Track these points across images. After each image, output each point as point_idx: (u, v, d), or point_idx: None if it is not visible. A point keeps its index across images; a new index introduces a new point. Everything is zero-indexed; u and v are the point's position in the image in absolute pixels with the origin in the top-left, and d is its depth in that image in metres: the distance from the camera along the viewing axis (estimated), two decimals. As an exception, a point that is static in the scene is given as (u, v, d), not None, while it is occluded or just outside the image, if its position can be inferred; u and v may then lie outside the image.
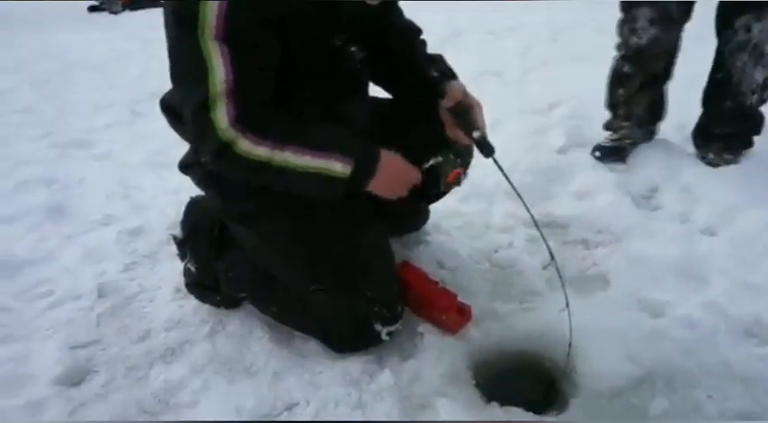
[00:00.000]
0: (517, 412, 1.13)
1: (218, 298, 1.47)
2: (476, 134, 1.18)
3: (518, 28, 4.83)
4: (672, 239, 1.66)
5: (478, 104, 1.25)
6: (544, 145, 2.35)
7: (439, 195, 1.47)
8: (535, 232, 1.77)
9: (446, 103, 1.24)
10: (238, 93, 1.05)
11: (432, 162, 1.22)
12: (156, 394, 1.25)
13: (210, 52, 1.03)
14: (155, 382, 1.28)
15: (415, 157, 1.21)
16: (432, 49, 1.39)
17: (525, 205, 1.21)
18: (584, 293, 1.48)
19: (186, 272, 1.51)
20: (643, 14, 1.94)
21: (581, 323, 1.33)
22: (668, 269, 1.53)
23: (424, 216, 1.74)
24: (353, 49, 1.21)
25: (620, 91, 2.11)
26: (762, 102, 1.98)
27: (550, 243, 1.71)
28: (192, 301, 1.53)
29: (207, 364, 1.32)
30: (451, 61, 1.34)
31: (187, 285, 1.53)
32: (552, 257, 1.20)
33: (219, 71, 1.03)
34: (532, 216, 1.23)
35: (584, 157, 2.18)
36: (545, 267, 1.23)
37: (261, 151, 1.08)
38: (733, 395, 1.15)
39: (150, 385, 1.27)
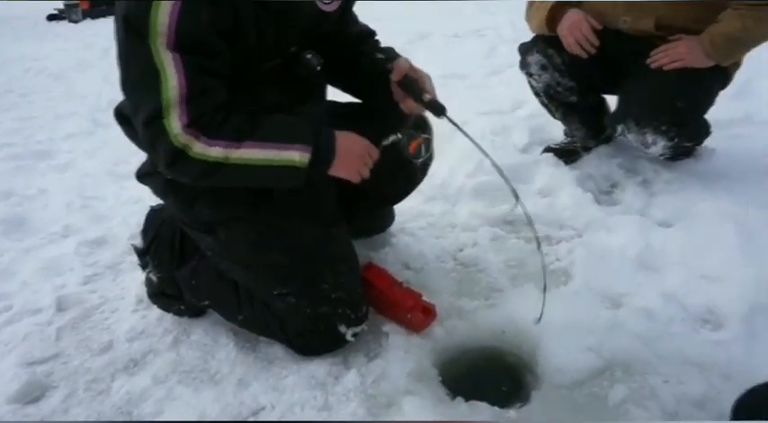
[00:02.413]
0: (482, 406, 1.15)
1: (182, 307, 1.45)
2: (425, 97, 1.21)
3: (482, 30, 4.90)
4: (630, 233, 1.70)
5: (426, 75, 1.28)
6: (508, 144, 2.39)
7: (410, 182, 1.52)
8: (499, 231, 1.82)
9: (394, 77, 1.25)
10: (190, 100, 1.04)
11: (391, 139, 1.26)
12: (119, 406, 1.22)
13: (162, 60, 1.03)
14: (117, 394, 1.26)
15: (375, 139, 1.23)
16: (397, 52, 1.41)
17: (505, 178, 1.23)
18: (547, 288, 1.50)
19: (148, 282, 1.49)
20: (535, 61, 2.01)
21: (544, 317, 1.36)
22: (627, 261, 1.57)
23: (390, 218, 1.75)
24: (309, 55, 1.22)
25: (554, 112, 2.18)
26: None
27: (514, 241, 1.78)
28: (156, 311, 1.51)
29: (171, 373, 1.30)
30: (417, 64, 1.36)
31: (150, 295, 1.50)
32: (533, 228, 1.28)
33: (172, 80, 1.03)
34: (513, 190, 1.24)
35: (547, 156, 2.23)
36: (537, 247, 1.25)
37: (215, 152, 1.07)
38: (688, 380, 1.18)
39: (112, 398, 1.25)
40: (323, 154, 1.14)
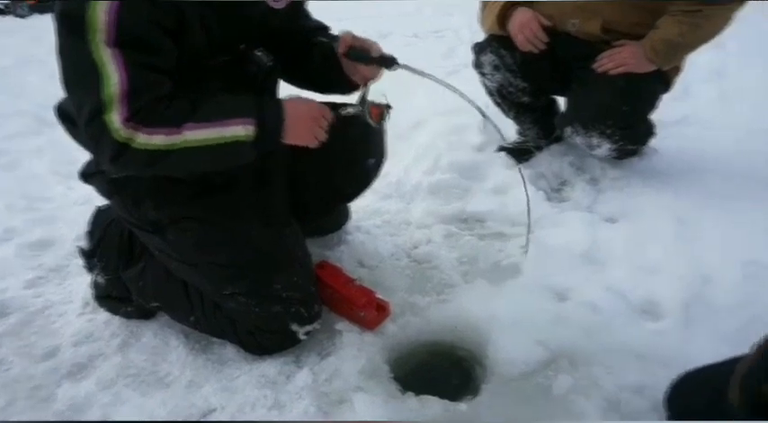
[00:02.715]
0: (432, 400, 1.16)
1: (130, 309, 1.42)
2: (373, 54, 1.22)
3: (441, 31, 4.97)
4: (578, 228, 1.75)
5: (371, 40, 1.28)
6: (463, 143, 2.43)
7: (364, 180, 1.50)
8: (452, 228, 1.85)
9: (339, 50, 1.26)
10: (131, 95, 1.02)
11: (350, 109, 1.25)
12: (62, 413, 1.19)
13: (102, 57, 1.01)
14: (61, 401, 1.22)
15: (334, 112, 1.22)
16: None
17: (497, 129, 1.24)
18: (497, 284, 1.54)
19: (95, 284, 1.45)
20: (488, 61, 2.05)
21: (494, 312, 1.40)
22: (574, 257, 1.62)
23: (345, 216, 1.76)
24: (259, 52, 1.21)
25: (506, 112, 2.23)
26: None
27: (467, 238, 1.82)
28: (104, 315, 1.47)
29: (117, 377, 1.28)
30: None
31: (96, 298, 1.46)
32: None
33: (112, 77, 1.01)
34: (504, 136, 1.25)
35: (500, 155, 2.27)
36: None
37: (157, 140, 1.05)
38: (629, 369, 1.23)
39: (56, 405, 1.21)
40: (269, 123, 1.11)
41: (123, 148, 1.04)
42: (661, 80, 1.91)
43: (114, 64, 1.01)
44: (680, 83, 2.04)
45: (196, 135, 1.07)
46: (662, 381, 1.15)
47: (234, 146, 1.08)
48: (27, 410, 1.20)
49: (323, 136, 1.19)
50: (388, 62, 1.22)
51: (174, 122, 1.07)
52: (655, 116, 2.01)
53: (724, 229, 1.64)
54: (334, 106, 1.26)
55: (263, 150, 1.12)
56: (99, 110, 1.02)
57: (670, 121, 2.41)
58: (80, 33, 1.00)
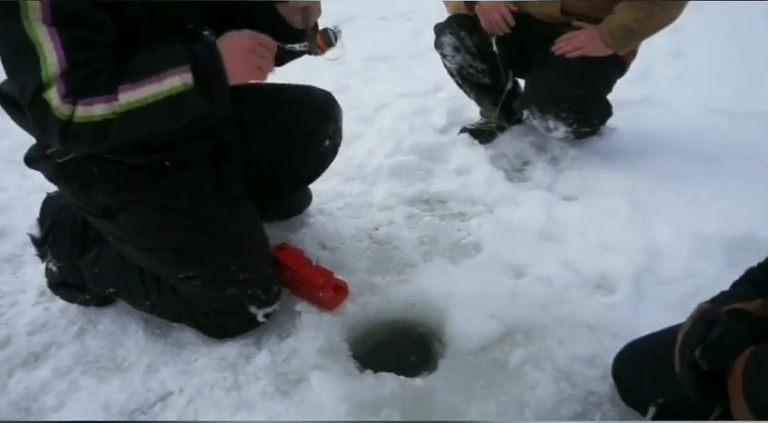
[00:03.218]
0: (388, 377, 1.19)
1: (87, 296, 1.40)
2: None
3: (409, 14, 4.93)
4: (537, 207, 1.78)
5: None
6: (427, 125, 2.43)
7: (320, 162, 1.49)
8: (414, 209, 1.86)
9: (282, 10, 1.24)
10: (69, 71, 1.00)
11: (296, 46, 1.22)
12: (16, 402, 1.18)
13: (38, 37, 0.98)
14: (14, 390, 1.21)
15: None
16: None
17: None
18: (456, 261, 1.57)
19: (48, 272, 1.43)
20: (448, 42, 2.06)
21: (452, 289, 1.42)
22: (532, 234, 1.65)
23: (306, 199, 1.76)
24: (206, 32, 1.19)
25: (468, 93, 2.25)
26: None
27: (429, 218, 1.83)
28: (60, 303, 1.45)
29: (74, 365, 1.27)
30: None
31: (51, 286, 1.44)
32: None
33: (51, 56, 0.99)
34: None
35: (463, 136, 2.29)
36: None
37: (98, 109, 1.02)
38: (581, 341, 1.27)
39: (9, 394, 1.20)
40: (205, 65, 1.06)
41: (67, 126, 1.02)
42: (617, 64, 1.94)
43: (51, 42, 0.98)
44: (641, 63, 2.08)
45: (134, 95, 1.03)
46: (612, 351, 1.19)
47: (176, 98, 1.05)
48: (-23, 400, 1.18)
49: (268, 67, 1.14)
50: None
51: (109, 89, 1.03)
52: (615, 96, 2.05)
53: (674, 205, 1.69)
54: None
55: (209, 97, 1.08)
56: (40, 89, 1.00)
57: (630, 100, 2.45)
58: (15, 13, 0.98)
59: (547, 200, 1.84)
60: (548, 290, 1.42)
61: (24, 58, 1.00)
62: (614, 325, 1.31)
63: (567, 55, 1.86)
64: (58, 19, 0.99)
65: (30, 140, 2.21)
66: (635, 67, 2.06)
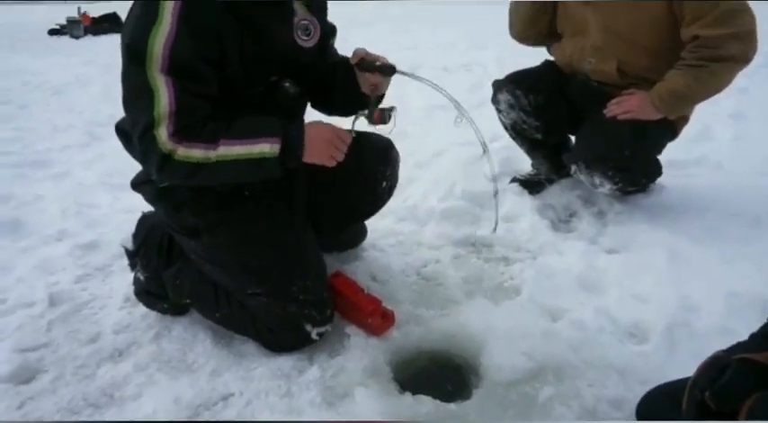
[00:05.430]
0: (425, 400, 1.29)
1: (165, 305, 1.60)
2: (377, 64, 1.40)
3: (470, 65, 5.17)
4: (578, 257, 1.88)
5: (380, 55, 1.45)
6: (479, 174, 2.56)
7: (376, 201, 1.67)
8: (461, 250, 1.99)
9: (352, 61, 1.44)
10: (177, 114, 1.23)
11: (357, 115, 1.41)
12: (102, 388, 1.36)
13: (156, 82, 1.23)
14: (102, 378, 1.40)
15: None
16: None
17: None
18: (497, 302, 1.67)
19: (136, 280, 1.64)
20: (504, 99, 2.21)
21: (490, 326, 1.52)
22: (571, 281, 1.74)
23: (361, 235, 1.92)
24: (287, 84, 1.41)
25: (520, 146, 2.39)
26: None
27: (474, 260, 1.95)
28: (141, 309, 1.65)
29: (151, 362, 1.45)
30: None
31: (136, 293, 1.65)
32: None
33: (163, 98, 1.22)
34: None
35: (513, 186, 2.41)
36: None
37: (196, 153, 1.25)
38: (609, 384, 1.34)
39: (97, 381, 1.39)
40: (292, 142, 1.28)
41: (167, 159, 1.25)
42: (668, 128, 2.03)
43: (165, 88, 1.23)
44: (700, 124, 2.14)
45: (229, 150, 1.26)
46: (639, 397, 1.25)
47: (261, 161, 1.27)
48: (74, 384, 1.38)
49: (340, 157, 1.35)
50: (386, 70, 1.40)
51: (211, 138, 1.26)
52: (668, 155, 2.13)
53: (713, 263, 1.74)
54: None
55: (286, 166, 1.29)
56: (151, 126, 1.24)
57: (684, 160, 2.54)
58: (140, 62, 1.23)
59: (589, 251, 1.92)
60: (581, 333, 1.50)
61: (141, 98, 1.25)
62: (644, 371, 1.37)
63: (618, 117, 1.94)
64: (174, 69, 1.23)
65: (121, 166, 2.51)
66: (693, 127, 2.12)
